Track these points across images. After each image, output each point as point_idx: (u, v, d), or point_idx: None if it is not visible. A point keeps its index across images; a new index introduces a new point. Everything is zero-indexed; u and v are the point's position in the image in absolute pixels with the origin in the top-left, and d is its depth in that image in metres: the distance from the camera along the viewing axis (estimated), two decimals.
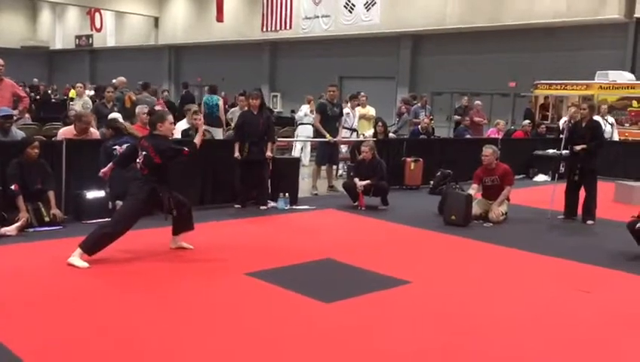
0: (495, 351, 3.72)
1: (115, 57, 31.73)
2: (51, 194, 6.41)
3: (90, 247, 5.06)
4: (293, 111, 15.90)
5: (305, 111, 12.99)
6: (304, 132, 12.83)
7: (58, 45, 35.35)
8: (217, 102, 12.28)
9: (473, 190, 7.91)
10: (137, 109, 8.81)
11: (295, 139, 12.76)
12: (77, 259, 5.00)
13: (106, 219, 6.04)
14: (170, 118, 5.47)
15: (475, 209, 7.78)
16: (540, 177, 12.32)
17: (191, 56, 28.66)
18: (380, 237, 6.87)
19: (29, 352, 3.40)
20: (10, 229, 5.95)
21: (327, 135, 9.40)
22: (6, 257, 5.31)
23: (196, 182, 7.92)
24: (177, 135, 8.37)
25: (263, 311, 4.23)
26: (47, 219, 6.29)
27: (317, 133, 9.95)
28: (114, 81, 12.15)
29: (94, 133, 7.52)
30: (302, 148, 12.75)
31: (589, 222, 7.93)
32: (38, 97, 16.32)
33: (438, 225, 7.43)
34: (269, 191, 8.31)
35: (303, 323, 4.06)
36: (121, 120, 7.98)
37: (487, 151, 7.97)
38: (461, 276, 5.36)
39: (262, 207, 8.03)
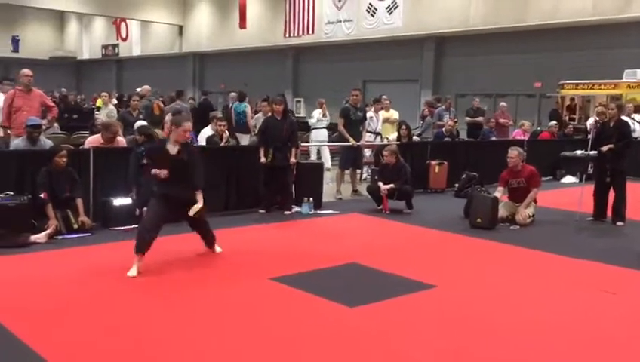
0: (519, 355, 3.68)
1: (140, 66, 32.19)
2: (79, 201, 6.53)
3: (136, 247, 5.14)
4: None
5: (317, 117, 12.99)
6: (318, 137, 12.86)
7: (85, 55, 36.00)
8: (245, 108, 12.51)
9: (499, 192, 7.83)
10: (167, 117, 8.94)
11: (310, 144, 12.75)
12: (134, 268, 5.08)
13: (135, 226, 6.15)
14: (187, 124, 5.46)
15: (502, 211, 7.70)
16: (568, 179, 12.14)
17: (215, 63, 28.92)
18: (405, 240, 6.85)
19: (60, 359, 3.46)
20: (40, 237, 6.08)
21: (351, 139, 9.41)
22: (36, 264, 5.42)
23: (221, 188, 7.99)
24: (202, 142, 8.49)
25: (287, 315, 4.26)
26: (75, 226, 6.41)
27: (340, 138, 9.95)
28: (138, 89, 12.36)
29: (121, 141, 7.64)
30: (318, 153, 12.75)
31: (619, 223, 7.79)
32: (67, 113, 16.31)
33: (463, 228, 7.39)
34: (293, 196, 8.34)
35: (326, 327, 4.06)
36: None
37: (513, 153, 7.89)
38: (487, 279, 5.31)
39: (286, 212, 8.06)
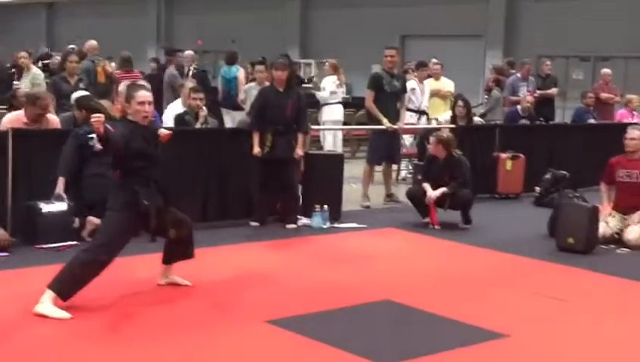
0: None
1: (81, 13, 32.32)
2: None
3: (65, 287, 5.11)
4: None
5: (329, 87, 12.95)
6: (332, 115, 12.85)
7: None
8: (237, 74, 12.48)
9: (603, 196, 7.78)
10: (121, 86, 8.94)
11: (322, 127, 12.74)
12: (49, 305, 5.05)
13: (72, 243, 6.15)
14: (141, 95, 5.43)
15: (604, 227, 7.68)
16: None
17: (187, 9, 29.00)
18: (461, 268, 6.83)
19: None
20: None
21: (385, 120, 9.41)
22: None
23: (196, 190, 8.01)
24: (169, 122, 8.52)
25: None
26: None
27: (368, 118, 9.92)
28: (71, 46, 12.34)
29: (53, 120, 7.67)
30: (333, 141, 12.78)
31: None
32: None
33: (547, 252, 7.36)
34: (300, 202, 8.35)
35: None
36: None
37: (634, 133, 7.94)
38: (584, 329, 5.29)
39: (289, 226, 8.08)
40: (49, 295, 5.07)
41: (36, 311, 5.02)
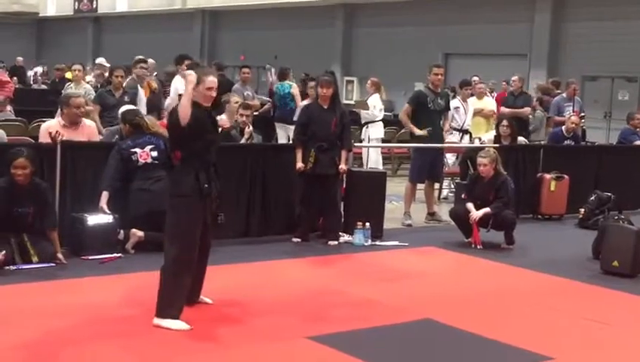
0: None
1: (127, 27, 32.83)
2: (54, 235, 6.63)
3: (172, 309, 5.16)
4: None
5: (378, 105, 12.98)
6: (376, 133, 12.92)
7: (50, 11, 36.92)
8: (290, 90, 12.79)
9: None
10: (166, 101, 9.04)
11: (366, 144, 12.78)
12: (166, 322, 5.14)
13: (117, 256, 6.24)
14: (210, 80, 5.39)
15: None
16: None
17: (232, 26, 29.28)
18: (504, 289, 6.80)
19: None
20: None
21: (417, 129, 9.33)
22: None
23: (240, 205, 8.07)
24: None
25: None
26: (35, 259, 6.47)
27: (410, 135, 9.93)
28: (100, 63, 12.37)
29: (90, 125, 7.76)
30: (376, 159, 12.81)
31: None
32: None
33: (592, 275, 7.29)
34: (342, 219, 8.38)
35: None
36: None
37: None
38: (628, 354, 5.23)
39: (331, 242, 8.09)
40: (159, 321, 5.16)
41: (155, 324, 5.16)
